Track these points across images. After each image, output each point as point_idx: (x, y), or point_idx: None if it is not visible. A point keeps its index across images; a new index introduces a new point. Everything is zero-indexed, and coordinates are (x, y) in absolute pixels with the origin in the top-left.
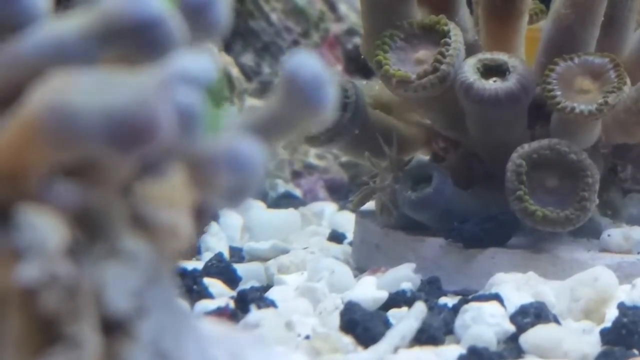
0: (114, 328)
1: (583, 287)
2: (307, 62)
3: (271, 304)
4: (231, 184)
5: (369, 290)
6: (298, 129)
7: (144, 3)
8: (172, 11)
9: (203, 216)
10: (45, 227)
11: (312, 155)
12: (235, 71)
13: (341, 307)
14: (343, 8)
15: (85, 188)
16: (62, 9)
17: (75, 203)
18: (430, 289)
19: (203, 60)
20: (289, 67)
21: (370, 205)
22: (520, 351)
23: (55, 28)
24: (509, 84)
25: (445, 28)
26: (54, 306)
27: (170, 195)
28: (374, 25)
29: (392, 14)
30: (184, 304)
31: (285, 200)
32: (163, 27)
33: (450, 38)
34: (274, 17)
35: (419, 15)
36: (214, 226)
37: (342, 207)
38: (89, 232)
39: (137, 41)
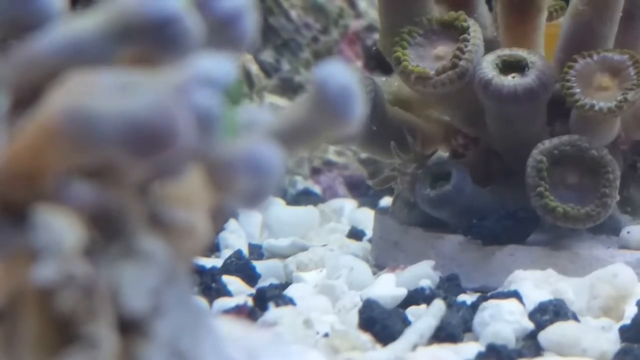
0: (130, 328)
1: (602, 284)
2: (337, 72)
3: (290, 301)
4: (249, 187)
5: (388, 287)
6: (323, 138)
7: (161, 1)
8: (189, 9)
9: (220, 216)
10: (61, 228)
11: (332, 151)
12: (254, 68)
13: (360, 304)
14: (362, 4)
15: (102, 188)
16: (79, 7)
17: (92, 203)
18: (449, 286)
19: (222, 62)
20: (318, 77)
21: (390, 202)
22: (539, 348)
23: (72, 27)
24: (528, 80)
25: (465, 24)
26: (70, 306)
27: (187, 196)
28: (392, 22)
29: (409, 10)
30: (201, 302)
31: (304, 197)
32: (180, 25)
33: (469, 34)
34: (293, 13)
35: (436, 11)
36: (233, 223)
37: (361, 204)
38: (106, 232)
39: (154, 39)
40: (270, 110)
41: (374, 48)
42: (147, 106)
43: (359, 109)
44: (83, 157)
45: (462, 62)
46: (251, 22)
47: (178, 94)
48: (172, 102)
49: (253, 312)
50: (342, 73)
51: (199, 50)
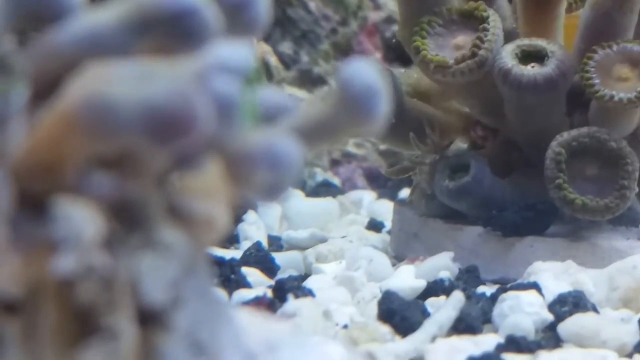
0: (150, 319)
1: (622, 275)
2: (362, 70)
3: (309, 293)
4: (268, 180)
5: (407, 279)
6: (346, 135)
7: None
8: (207, 0)
9: (239, 208)
10: (81, 219)
11: (351, 143)
12: (273, 60)
13: (379, 296)
14: None
15: (122, 179)
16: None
17: (112, 194)
18: (468, 277)
19: (240, 49)
20: (343, 75)
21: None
22: (558, 340)
23: (91, 19)
24: (547, 69)
25: (484, 14)
26: (90, 297)
27: (207, 187)
28: (411, 12)
29: (428, 1)
30: (220, 294)
31: (323, 189)
32: (199, 16)
33: (489, 24)
34: (312, 5)
35: (455, 2)
36: (252, 215)
37: (380, 196)
38: (125, 223)
39: (173, 31)
40: (291, 97)
41: (394, 40)
42: (166, 93)
43: (384, 108)
44: (103, 145)
45: (481, 51)
46: (264, 6)
47: (197, 80)
48: (191, 88)
49: (272, 303)
50: (368, 72)
51: (217, 38)
